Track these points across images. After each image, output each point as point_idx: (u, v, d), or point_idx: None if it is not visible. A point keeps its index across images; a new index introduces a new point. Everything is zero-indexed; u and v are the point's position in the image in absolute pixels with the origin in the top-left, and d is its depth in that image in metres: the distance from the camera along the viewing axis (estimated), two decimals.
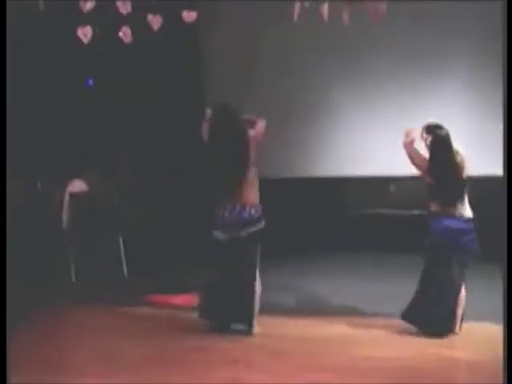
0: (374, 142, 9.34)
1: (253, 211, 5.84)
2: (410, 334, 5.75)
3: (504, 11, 3.99)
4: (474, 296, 5.91)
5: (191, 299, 6.95)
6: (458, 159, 5.68)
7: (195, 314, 6.09)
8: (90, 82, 9.87)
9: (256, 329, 5.88)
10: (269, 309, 6.16)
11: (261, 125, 5.92)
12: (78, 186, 8.35)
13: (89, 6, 5.97)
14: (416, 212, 7.94)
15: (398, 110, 9.20)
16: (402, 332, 5.79)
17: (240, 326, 5.92)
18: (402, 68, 9.14)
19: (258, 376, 4.95)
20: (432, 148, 5.68)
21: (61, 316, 6.62)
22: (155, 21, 6.20)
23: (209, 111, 5.91)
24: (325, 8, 6.20)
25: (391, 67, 9.20)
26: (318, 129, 9.67)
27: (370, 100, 9.38)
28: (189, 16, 6.34)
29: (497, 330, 5.08)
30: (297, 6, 6.18)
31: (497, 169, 5.47)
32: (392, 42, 9.13)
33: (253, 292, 5.86)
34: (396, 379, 4.84)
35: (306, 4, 6.20)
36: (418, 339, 5.64)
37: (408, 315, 5.77)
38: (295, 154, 9.70)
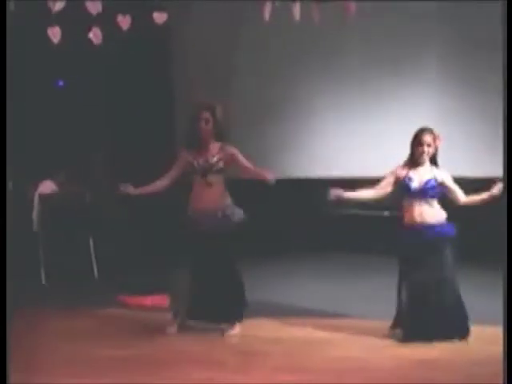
0: (347, 143, 9.38)
1: (227, 212, 5.90)
2: (386, 334, 5.78)
3: (504, 11, 4.02)
4: (473, 298, 5.92)
5: (162, 300, 6.95)
6: None
7: (171, 315, 6.11)
8: (61, 82, 9.82)
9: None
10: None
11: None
12: (47, 186, 8.31)
13: (58, 6, 5.93)
14: (387, 213, 7.95)
15: (373, 111, 9.24)
16: (378, 333, 5.81)
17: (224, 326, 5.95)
18: (377, 70, 9.16)
19: (233, 377, 4.95)
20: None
21: (31, 318, 6.57)
22: (125, 21, 6.18)
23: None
24: (296, 8, 6.21)
25: (367, 68, 9.21)
26: (293, 130, 9.67)
27: (344, 101, 9.40)
28: (159, 17, 6.32)
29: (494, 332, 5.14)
30: (267, 6, 6.19)
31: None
32: (367, 43, 9.15)
33: (243, 290, 5.97)
34: (372, 380, 4.87)
35: (277, 3, 6.20)
36: (394, 341, 5.66)
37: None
38: (270, 156, 9.70)
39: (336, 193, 5.59)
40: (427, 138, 5.61)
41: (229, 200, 5.95)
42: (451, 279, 5.61)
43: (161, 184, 5.97)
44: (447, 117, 8.95)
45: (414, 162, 5.68)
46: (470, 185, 8.09)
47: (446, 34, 8.79)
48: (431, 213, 5.61)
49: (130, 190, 5.81)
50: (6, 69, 4.42)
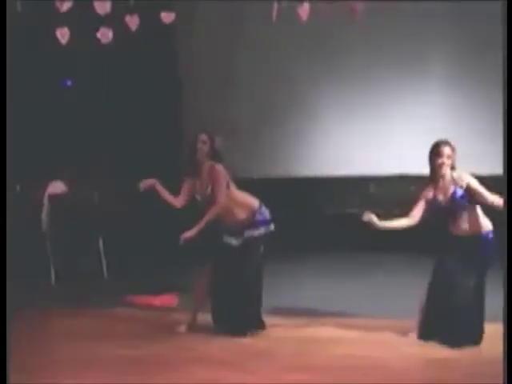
0: (352, 142, 9.38)
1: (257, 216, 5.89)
2: (391, 333, 5.77)
3: (504, 11, 4.00)
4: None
5: (171, 300, 6.95)
6: None
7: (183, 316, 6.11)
8: (69, 82, 9.83)
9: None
10: None
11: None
12: (57, 187, 8.32)
13: (65, 6, 5.93)
14: (396, 211, 7.92)
15: (375, 110, 9.24)
16: (385, 331, 5.81)
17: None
18: (381, 69, 9.16)
19: (240, 376, 4.94)
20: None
21: (40, 318, 6.59)
22: (133, 21, 6.16)
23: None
24: (303, 8, 6.19)
25: (370, 68, 9.22)
26: (296, 129, 9.67)
27: (348, 101, 9.40)
28: (167, 16, 6.31)
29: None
30: (275, 6, 6.17)
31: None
32: (371, 43, 9.15)
33: (260, 296, 5.95)
34: (378, 379, 4.86)
35: (284, 4, 6.18)
36: (401, 339, 5.65)
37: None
38: (272, 155, 9.72)
39: (368, 218, 5.53)
40: (446, 150, 5.51)
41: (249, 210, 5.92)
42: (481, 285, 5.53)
43: (176, 202, 5.97)
44: (451, 115, 8.97)
45: (435, 177, 5.57)
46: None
47: (449, 33, 8.82)
48: (475, 221, 5.53)
49: (155, 184, 5.82)
50: (5, 69, 4.40)
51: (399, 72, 9.10)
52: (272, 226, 5.95)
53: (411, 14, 8.82)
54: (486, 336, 5.46)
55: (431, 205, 5.57)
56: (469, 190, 5.47)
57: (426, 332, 5.56)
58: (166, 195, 5.92)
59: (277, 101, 9.57)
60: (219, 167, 5.83)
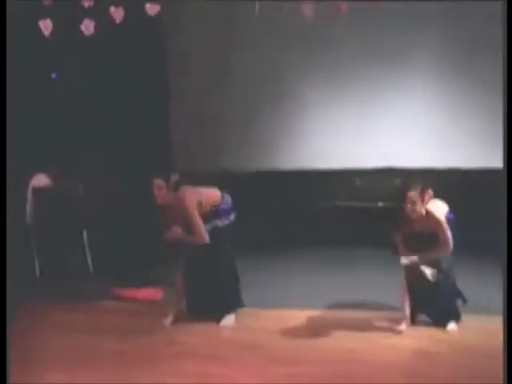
0: (340, 137, 9.41)
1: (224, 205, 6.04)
2: (378, 326, 5.82)
3: (504, 11, 4.00)
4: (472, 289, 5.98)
5: (155, 293, 6.94)
6: None
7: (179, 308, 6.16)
8: (53, 75, 9.77)
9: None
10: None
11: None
12: (41, 180, 8.28)
13: None
14: (381, 204, 7.99)
15: (361, 107, 9.28)
16: (371, 324, 5.85)
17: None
18: (372, 65, 9.18)
19: (230, 369, 4.97)
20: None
21: (25, 312, 6.56)
22: (117, 13, 6.14)
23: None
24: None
25: (357, 65, 9.23)
26: (284, 124, 9.70)
27: (336, 97, 9.43)
28: (152, 8, 6.29)
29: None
30: (257, 3, 6.19)
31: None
32: (362, 39, 9.16)
33: (237, 282, 6.11)
34: (368, 371, 4.88)
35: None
36: (387, 332, 5.69)
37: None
38: (261, 148, 9.73)
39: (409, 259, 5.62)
40: (411, 195, 5.59)
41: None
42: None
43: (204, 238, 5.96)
44: (437, 113, 9.02)
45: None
46: (465, 176, 8.14)
47: (443, 29, 8.84)
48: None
49: (179, 234, 5.89)
50: (5, 68, 4.38)
51: (391, 67, 9.13)
52: (233, 215, 6.07)
53: (405, 8, 8.82)
54: (486, 327, 5.55)
55: None
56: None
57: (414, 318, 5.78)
58: (190, 239, 5.91)
59: (266, 97, 9.59)
60: (183, 195, 5.83)
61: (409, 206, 5.55)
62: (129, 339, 5.67)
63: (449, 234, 5.54)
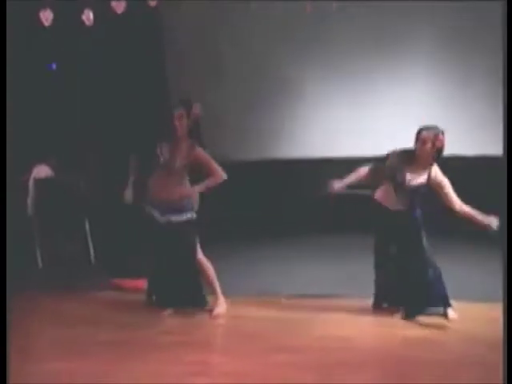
0: (338, 126, 9.43)
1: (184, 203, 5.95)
2: (371, 313, 5.85)
3: (504, 11, 4.02)
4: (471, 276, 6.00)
5: None
6: None
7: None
8: (53, 65, 9.76)
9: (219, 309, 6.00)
10: (231, 292, 6.22)
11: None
12: (42, 171, 8.29)
13: None
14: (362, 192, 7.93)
15: (360, 96, 9.30)
16: (364, 312, 5.87)
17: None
18: (366, 55, 9.19)
19: (223, 358, 5.00)
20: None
21: (28, 302, 6.58)
22: (119, 5, 6.14)
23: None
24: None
25: (355, 54, 9.24)
26: (282, 114, 9.71)
27: (334, 86, 9.45)
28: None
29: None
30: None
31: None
32: (359, 29, 9.16)
33: (197, 273, 5.99)
34: (359, 359, 4.90)
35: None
36: (381, 319, 5.72)
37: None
38: (255, 137, 9.75)
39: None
40: (425, 134, 5.60)
41: (189, 190, 5.97)
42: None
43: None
44: (437, 102, 9.03)
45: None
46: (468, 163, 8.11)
47: (443, 19, 8.84)
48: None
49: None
50: (5, 59, 4.39)
51: (389, 57, 9.14)
52: (194, 214, 5.96)
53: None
54: (474, 314, 5.56)
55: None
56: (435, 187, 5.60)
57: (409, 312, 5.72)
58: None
59: (264, 86, 9.59)
60: (200, 151, 5.88)
61: (419, 145, 5.56)
62: (127, 329, 5.69)
63: None
